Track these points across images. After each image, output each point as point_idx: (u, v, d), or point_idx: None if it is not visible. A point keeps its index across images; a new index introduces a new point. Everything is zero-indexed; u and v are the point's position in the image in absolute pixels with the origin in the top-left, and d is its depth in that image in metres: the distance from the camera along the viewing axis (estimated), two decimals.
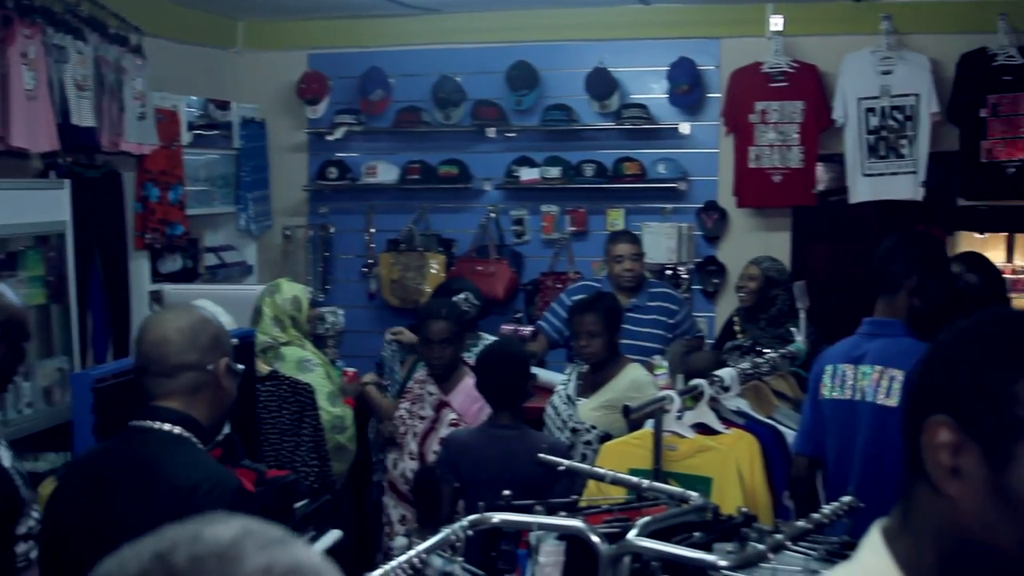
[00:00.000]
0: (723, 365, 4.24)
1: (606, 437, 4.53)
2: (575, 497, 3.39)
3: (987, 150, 6.69)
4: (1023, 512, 1.16)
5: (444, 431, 4.80)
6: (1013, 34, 6.63)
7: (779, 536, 2.57)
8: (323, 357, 5.42)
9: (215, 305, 4.36)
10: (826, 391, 3.78)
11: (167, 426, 2.47)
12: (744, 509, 2.93)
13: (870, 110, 6.74)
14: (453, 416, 4.88)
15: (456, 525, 2.84)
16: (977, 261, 4.78)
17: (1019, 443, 1.17)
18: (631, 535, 2.66)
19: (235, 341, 4.24)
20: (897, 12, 6.78)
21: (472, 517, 2.89)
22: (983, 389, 1.20)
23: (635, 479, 3.23)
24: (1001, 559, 1.18)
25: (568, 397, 4.86)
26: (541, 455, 3.56)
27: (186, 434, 2.48)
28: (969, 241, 7.35)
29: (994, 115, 6.65)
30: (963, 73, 6.74)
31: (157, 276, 6.50)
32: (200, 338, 2.52)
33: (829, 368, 3.79)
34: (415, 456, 4.94)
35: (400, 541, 3.17)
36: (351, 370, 5.95)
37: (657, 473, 3.71)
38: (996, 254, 7.30)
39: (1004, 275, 6.92)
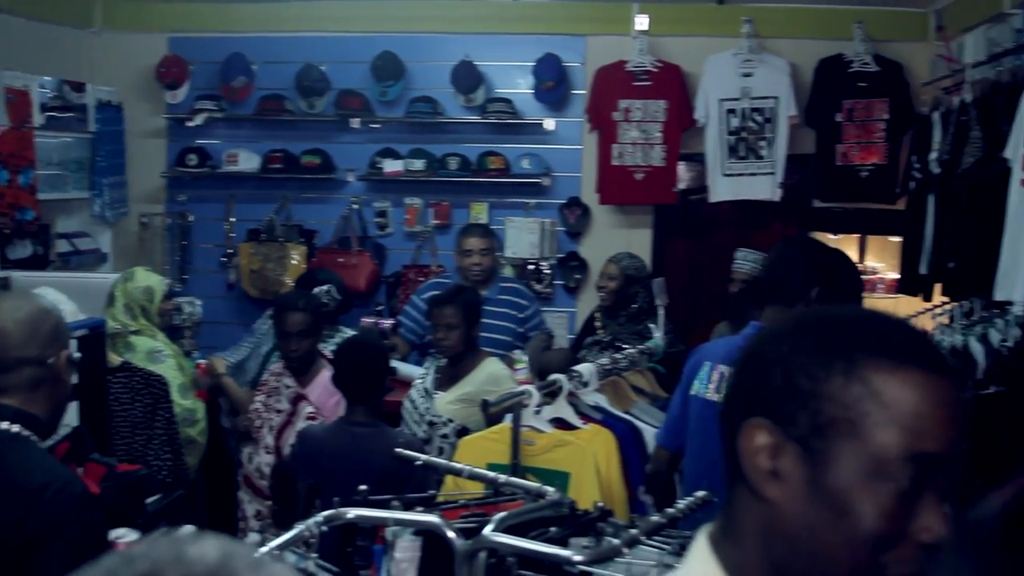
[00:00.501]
0: (577, 363, 4.25)
1: (463, 431, 4.52)
2: (432, 492, 3.36)
3: (842, 153, 6.88)
4: (844, 512, 1.15)
5: (301, 425, 4.73)
6: (868, 42, 6.83)
7: (634, 531, 2.58)
8: (175, 348, 5.29)
9: (57, 293, 4.20)
10: (698, 388, 3.70)
11: (4, 424, 2.33)
12: (600, 504, 2.94)
13: (731, 111, 6.86)
14: (310, 409, 4.81)
15: (310, 521, 2.79)
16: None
17: (835, 442, 1.15)
18: (487, 530, 2.64)
19: (84, 331, 4.16)
20: (759, 16, 6.92)
21: (326, 513, 2.84)
22: (796, 389, 1.18)
23: (492, 474, 3.21)
24: (826, 560, 1.17)
25: (426, 390, 4.84)
26: (398, 450, 3.53)
27: (25, 432, 2.35)
28: (823, 242, 7.52)
29: (849, 120, 6.84)
30: (820, 78, 6.91)
31: (5, 263, 6.26)
32: (40, 330, 2.39)
33: (707, 365, 3.70)
34: (271, 450, 4.86)
35: (253, 537, 3.10)
36: (204, 362, 5.83)
37: (515, 468, 3.71)
38: (849, 255, 7.50)
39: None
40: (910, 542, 1.15)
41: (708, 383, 3.66)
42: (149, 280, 5.20)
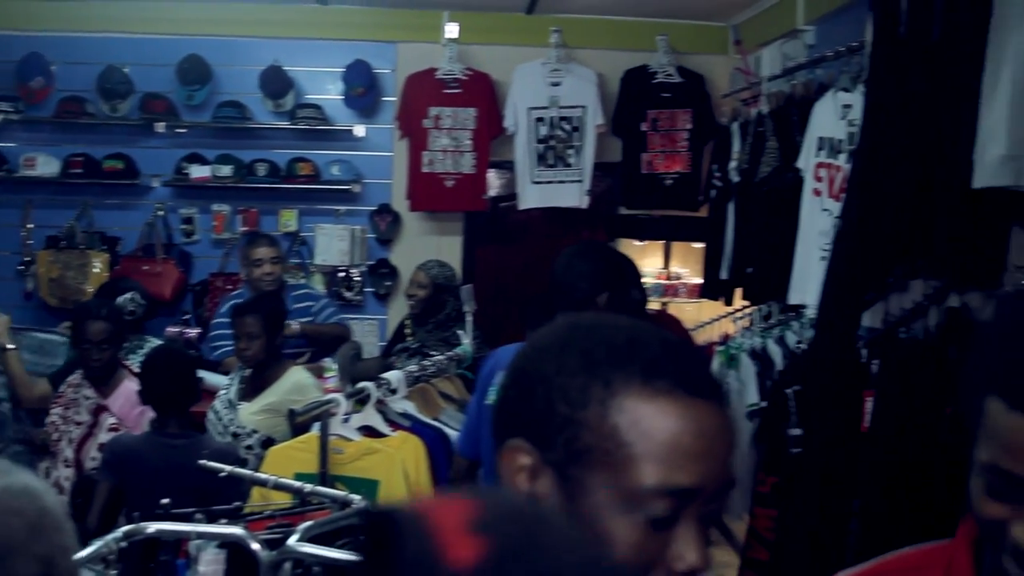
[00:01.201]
0: (390, 370, 4.25)
1: (268, 441, 4.45)
2: (237, 504, 3.30)
3: (647, 162, 7.05)
4: (600, 540, 1.11)
5: (103, 437, 4.58)
6: (672, 54, 7.02)
7: None
8: None
9: None
10: (492, 396, 3.66)
11: None
12: None
13: (539, 120, 6.95)
14: (112, 421, 4.66)
15: (108, 537, 2.71)
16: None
17: (589, 471, 1.13)
18: (291, 540, 2.62)
19: None
20: (567, 26, 7.04)
21: (126, 528, 2.77)
22: (555, 414, 1.14)
23: (297, 484, 3.18)
24: None
25: (229, 401, 4.74)
26: (202, 461, 3.45)
27: None
28: (629, 248, 7.69)
29: (654, 129, 7.01)
30: (626, 88, 7.07)
31: None
32: None
33: (500, 374, 3.68)
34: (71, 463, 4.68)
35: None
36: None
37: (323, 477, 3.68)
38: (654, 261, 7.70)
39: (660, 280, 7.33)
40: (665, 570, 1.13)
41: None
42: None
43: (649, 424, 1.11)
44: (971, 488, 1.30)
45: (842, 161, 4.43)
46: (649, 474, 1.10)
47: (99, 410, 4.72)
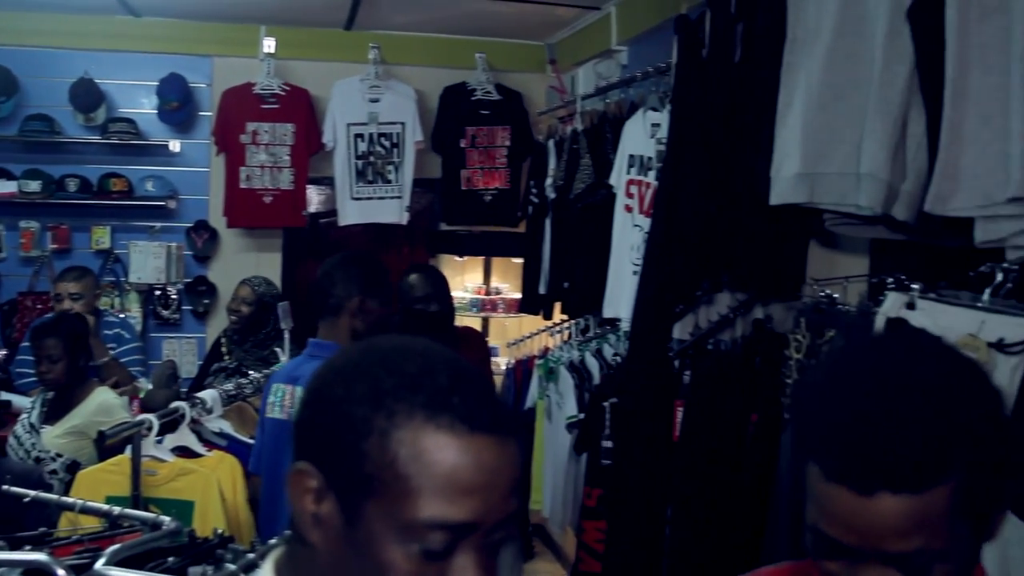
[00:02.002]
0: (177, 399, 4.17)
1: (74, 465, 4.32)
2: (43, 529, 3.20)
3: (467, 178, 7.11)
4: (373, 566, 1.14)
5: None
6: (490, 71, 7.10)
7: (251, 555, 2.57)
8: None
9: None
10: (270, 410, 3.66)
11: None
12: (220, 530, 2.90)
13: (359, 136, 6.93)
14: None
15: None
16: (422, 266, 5.02)
17: (368, 500, 1.14)
18: (98, 564, 2.56)
19: None
20: (385, 43, 7.05)
21: None
22: (340, 441, 1.16)
23: (106, 507, 3.11)
24: None
25: (31, 425, 4.58)
26: (6, 487, 3.34)
27: None
28: (450, 264, 7.76)
29: (473, 146, 7.08)
30: (445, 105, 7.13)
31: None
32: None
33: (274, 387, 3.68)
34: None
35: None
36: None
37: (136, 499, 3.60)
38: (475, 276, 7.77)
39: (479, 295, 7.39)
40: None
41: (278, 404, 3.63)
42: None
43: (428, 458, 1.13)
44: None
45: (652, 178, 4.57)
46: (425, 507, 1.12)
47: None
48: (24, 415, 4.66)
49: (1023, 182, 2.28)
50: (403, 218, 7.00)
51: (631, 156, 4.76)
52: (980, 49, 2.37)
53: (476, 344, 5.12)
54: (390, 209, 6.98)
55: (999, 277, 2.51)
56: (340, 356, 1.25)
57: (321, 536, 1.18)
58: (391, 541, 1.13)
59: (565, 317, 6.06)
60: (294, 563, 1.24)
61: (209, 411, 4.01)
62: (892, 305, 2.72)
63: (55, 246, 6.97)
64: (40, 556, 2.68)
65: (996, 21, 2.35)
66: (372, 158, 6.93)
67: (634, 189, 4.72)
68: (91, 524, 3.32)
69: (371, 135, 6.93)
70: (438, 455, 1.13)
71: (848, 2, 2.85)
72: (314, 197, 7.46)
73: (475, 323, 7.73)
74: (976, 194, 2.40)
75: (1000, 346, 2.39)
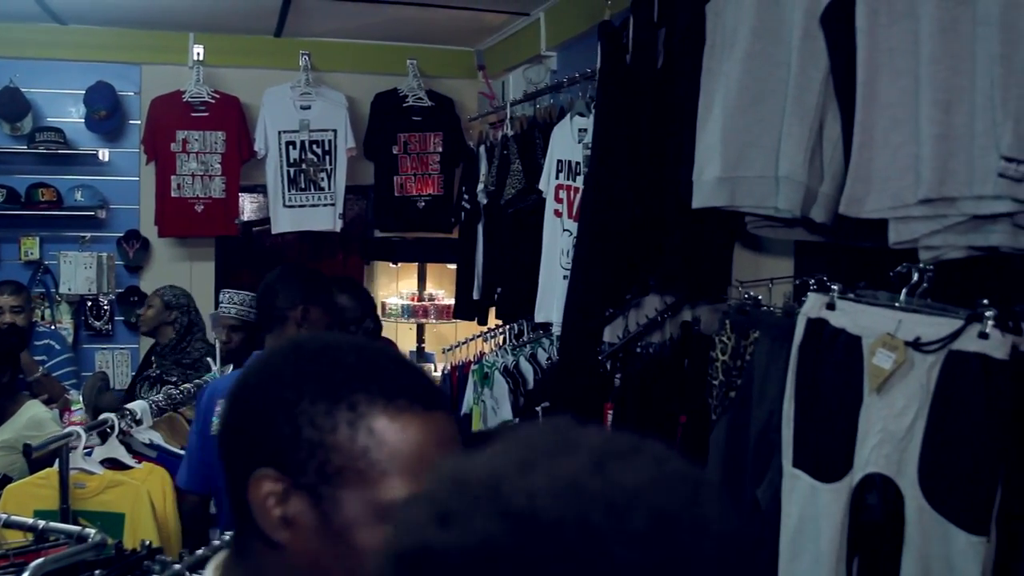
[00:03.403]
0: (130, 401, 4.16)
1: (5, 480, 4.27)
2: None
3: (400, 185, 7.11)
4: (354, 553, 1.18)
5: None
6: (422, 78, 7.11)
7: (177, 566, 2.57)
8: None
9: None
10: (214, 428, 3.63)
11: None
12: (147, 542, 2.89)
13: (290, 143, 6.91)
14: None
15: None
16: (348, 283, 5.04)
17: (343, 490, 1.18)
18: None
19: None
20: (315, 50, 7.03)
21: None
22: (303, 439, 1.18)
23: (30, 521, 3.08)
24: None
25: None
26: None
27: None
28: (384, 270, 7.76)
29: (405, 152, 7.09)
30: (376, 111, 7.12)
31: None
32: None
33: (221, 403, 3.68)
34: None
35: None
36: None
37: (64, 513, 3.57)
38: (409, 283, 7.77)
39: (414, 302, 7.39)
40: None
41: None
42: None
43: (395, 440, 1.18)
44: None
45: (580, 183, 4.60)
46: (399, 487, 1.18)
47: None
48: None
49: (933, 184, 2.34)
50: (337, 225, 6.98)
51: (559, 161, 4.80)
52: (889, 53, 2.42)
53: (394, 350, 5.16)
54: (323, 216, 6.96)
55: (915, 277, 2.57)
56: (267, 361, 1.28)
57: (292, 536, 1.20)
58: (371, 526, 1.18)
59: (499, 322, 6.08)
60: (253, 568, 1.26)
61: (139, 422, 3.99)
62: (812, 306, 2.77)
63: None
64: None
65: (904, 25, 2.40)
66: (304, 165, 6.91)
67: (563, 194, 4.75)
68: (17, 539, 3.29)
69: (303, 142, 6.91)
70: (403, 436, 1.19)
71: (764, 7, 2.90)
72: (247, 205, 7.42)
73: (410, 329, 7.73)
74: (888, 196, 2.45)
75: (917, 345, 2.44)
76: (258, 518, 1.21)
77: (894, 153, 2.43)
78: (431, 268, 7.77)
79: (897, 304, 2.58)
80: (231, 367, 4.86)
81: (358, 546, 1.18)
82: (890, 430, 2.45)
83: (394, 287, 7.89)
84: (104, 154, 6.97)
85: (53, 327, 6.52)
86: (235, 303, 4.96)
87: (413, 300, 7.52)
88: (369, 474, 1.18)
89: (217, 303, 5.06)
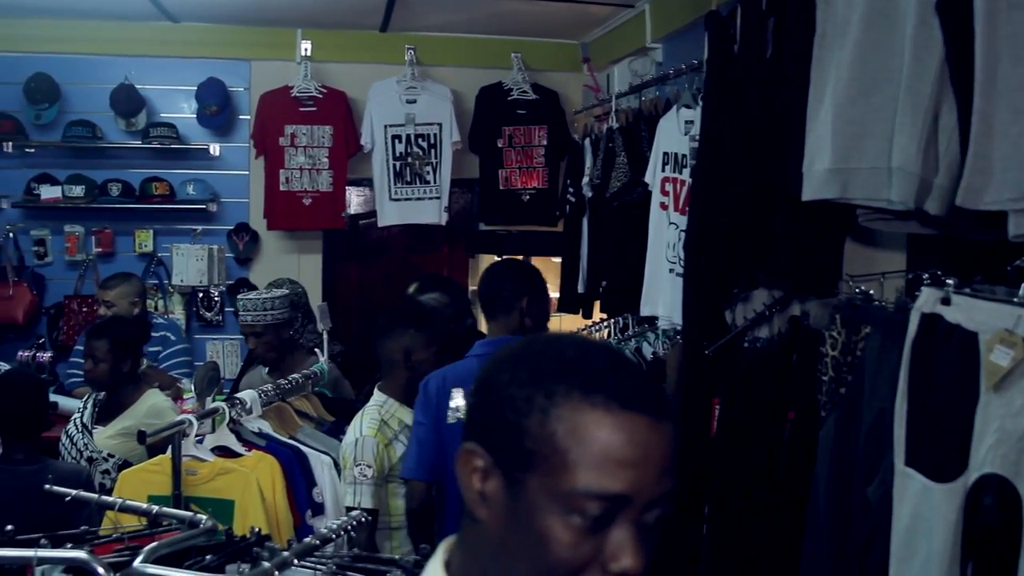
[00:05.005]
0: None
1: (126, 465, 4.38)
2: (84, 528, 3.25)
3: (504, 178, 7.12)
4: (536, 538, 1.21)
5: None
6: (526, 71, 7.11)
7: (286, 554, 2.60)
8: None
9: None
10: (451, 417, 3.84)
11: None
12: (256, 529, 2.93)
13: (396, 137, 6.97)
14: None
15: None
16: (442, 281, 5.09)
17: (531, 474, 1.22)
18: (136, 562, 2.59)
19: None
20: (421, 44, 7.08)
21: None
22: (504, 420, 1.25)
23: (145, 506, 3.15)
24: None
25: (83, 425, 4.66)
26: (48, 487, 3.39)
27: None
28: (490, 263, 7.75)
29: (510, 145, 7.10)
30: (481, 105, 7.14)
31: None
32: None
33: (458, 391, 3.85)
34: None
35: None
36: None
37: (176, 498, 3.64)
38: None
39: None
40: (600, 569, 1.21)
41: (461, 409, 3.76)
42: None
43: (584, 433, 1.21)
44: None
45: (686, 175, 4.55)
46: (581, 478, 1.20)
47: None
48: (76, 415, 4.73)
49: None
50: (442, 218, 7.04)
51: (665, 154, 4.75)
52: (1010, 40, 2.34)
53: None
54: (429, 210, 7.02)
55: None
56: (505, 349, 1.35)
57: (488, 512, 1.27)
58: (551, 512, 1.21)
59: (604, 316, 6.05)
60: (465, 543, 1.34)
61: (248, 411, 4.05)
62: (926, 301, 2.70)
63: (99, 250, 7.06)
64: (80, 554, 2.72)
65: None
66: (410, 159, 6.97)
67: (669, 187, 4.71)
68: (132, 523, 3.37)
69: (408, 136, 6.96)
70: (593, 430, 1.21)
71: None
72: (353, 199, 7.50)
73: None
74: (1008, 187, 2.37)
75: None
76: (462, 488, 1.30)
77: (1015, 143, 2.35)
78: (535, 261, 7.75)
79: (1016, 299, 2.50)
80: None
81: (541, 532, 1.21)
82: (1008, 429, 2.38)
83: None
84: (215, 149, 7.12)
85: (168, 318, 6.66)
86: (251, 310, 4.93)
87: None
88: (554, 461, 1.21)
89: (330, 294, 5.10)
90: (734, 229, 3.78)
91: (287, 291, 5.05)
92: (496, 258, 7.54)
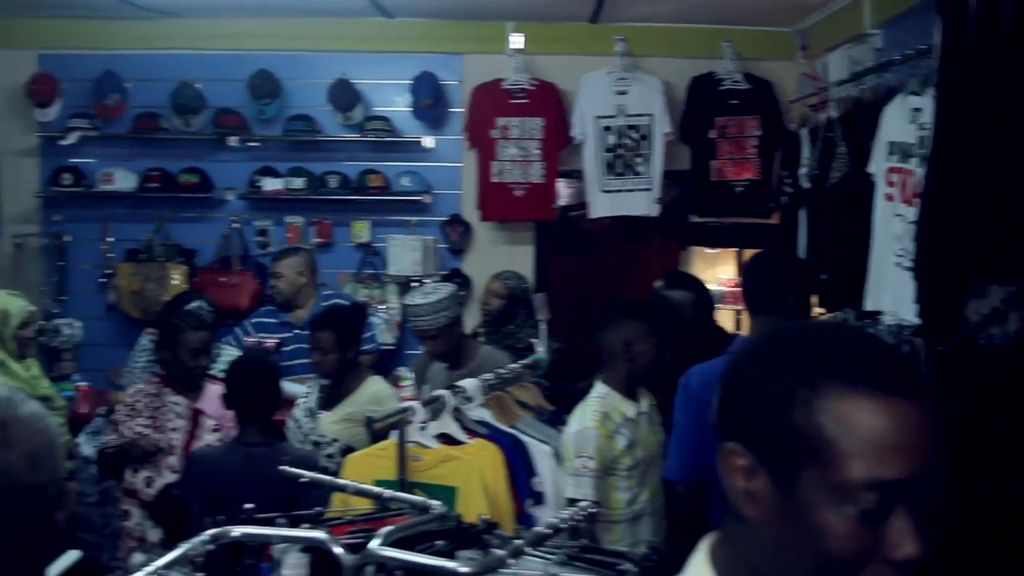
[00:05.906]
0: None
1: (348, 450, 4.51)
2: (318, 509, 3.36)
3: (716, 169, 7.03)
4: (812, 533, 1.20)
5: (209, 438, 4.72)
6: (738, 60, 7.01)
7: (518, 542, 2.62)
8: (26, 376, 5.14)
9: None
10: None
11: None
12: (485, 517, 2.97)
13: (607, 128, 6.97)
14: (212, 422, 4.77)
15: (195, 540, 2.77)
16: (682, 278, 5.00)
17: (799, 469, 1.21)
18: (373, 544, 2.65)
19: None
20: (631, 35, 7.05)
21: (212, 531, 2.82)
22: (764, 416, 1.23)
23: (377, 489, 3.22)
24: None
25: (310, 410, 4.82)
26: (283, 467, 3.52)
27: None
28: (701, 256, 7.69)
29: (722, 136, 7.00)
30: (693, 96, 7.07)
31: None
32: None
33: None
34: (177, 469, 4.71)
35: (138, 558, 3.07)
36: (84, 384, 5.71)
37: (402, 483, 3.72)
38: (726, 269, 7.67)
39: (732, 289, 7.28)
40: (883, 560, 1.19)
41: None
42: (7, 304, 5.07)
43: (851, 422, 1.19)
44: None
45: (913, 165, 4.39)
46: (856, 469, 1.18)
47: (196, 414, 4.82)
48: (302, 400, 4.89)
49: None
50: (653, 210, 7.01)
51: (891, 143, 4.60)
52: None
53: None
54: (640, 201, 6.99)
55: None
56: (751, 344, 1.34)
57: (756, 511, 1.26)
58: (826, 507, 1.19)
59: (823, 310, 5.91)
60: (731, 540, 1.33)
61: (470, 400, 4.10)
62: None
63: (318, 240, 7.30)
64: (319, 534, 2.82)
65: None
66: (621, 150, 6.96)
67: (895, 177, 4.56)
68: (361, 505, 3.46)
69: (619, 127, 6.95)
70: (859, 418, 1.19)
71: None
72: (564, 190, 7.53)
73: (727, 316, 7.63)
74: None
75: None
76: (727, 488, 1.28)
77: None
78: (748, 254, 7.63)
79: None
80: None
81: (818, 527, 1.19)
82: None
83: (711, 273, 7.81)
84: (428, 141, 7.25)
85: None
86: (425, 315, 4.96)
87: (732, 286, 7.42)
88: (825, 454, 1.19)
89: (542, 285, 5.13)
90: (971, 221, 3.63)
91: (451, 289, 5.09)
92: (709, 251, 7.49)
